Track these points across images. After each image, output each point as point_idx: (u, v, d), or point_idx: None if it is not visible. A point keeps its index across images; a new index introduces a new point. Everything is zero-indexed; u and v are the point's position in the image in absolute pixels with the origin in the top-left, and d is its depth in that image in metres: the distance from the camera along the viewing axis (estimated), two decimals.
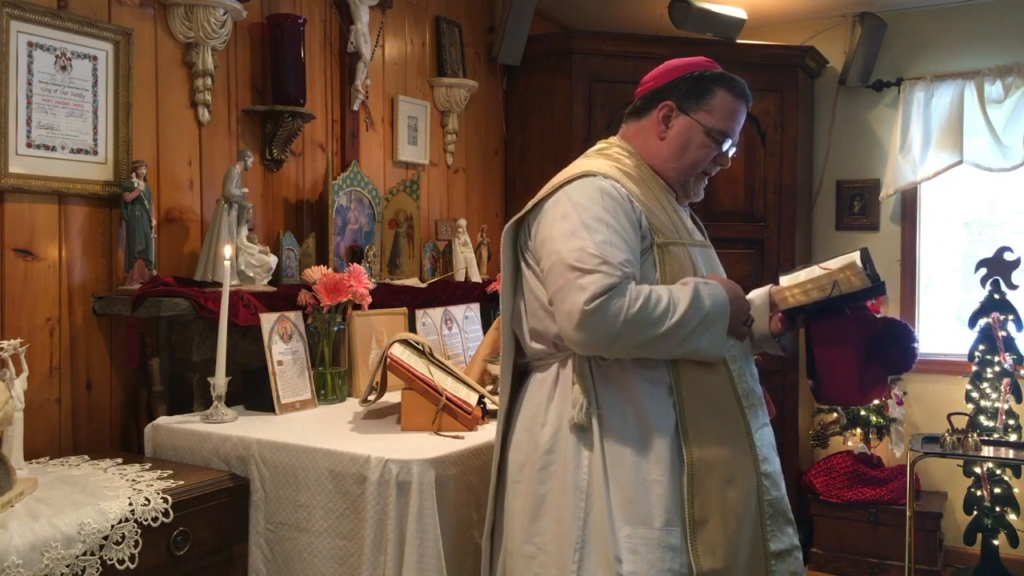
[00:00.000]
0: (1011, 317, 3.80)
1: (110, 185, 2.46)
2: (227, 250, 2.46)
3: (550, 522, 1.81)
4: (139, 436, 2.41)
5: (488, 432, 2.23)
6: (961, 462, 3.89)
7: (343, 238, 3.13)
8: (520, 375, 1.98)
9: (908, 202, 4.48)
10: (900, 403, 4.20)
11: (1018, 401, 3.77)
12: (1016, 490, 3.81)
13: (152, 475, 2.07)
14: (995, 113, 4.10)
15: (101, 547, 1.79)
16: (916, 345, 1.94)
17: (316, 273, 2.68)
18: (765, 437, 1.86)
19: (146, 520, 1.87)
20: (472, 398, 2.39)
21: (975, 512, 3.85)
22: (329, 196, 3.02)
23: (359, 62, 3.25)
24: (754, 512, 1.76)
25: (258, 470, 2.17)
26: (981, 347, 3.84)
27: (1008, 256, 3.82)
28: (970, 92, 4.16)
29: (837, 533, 4.17)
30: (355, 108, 3.29)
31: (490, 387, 2.63)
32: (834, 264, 1.86)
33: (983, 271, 3.86)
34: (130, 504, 1.86)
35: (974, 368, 3.87)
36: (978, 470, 3.81)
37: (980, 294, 3.88)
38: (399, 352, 2.41)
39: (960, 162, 4.16)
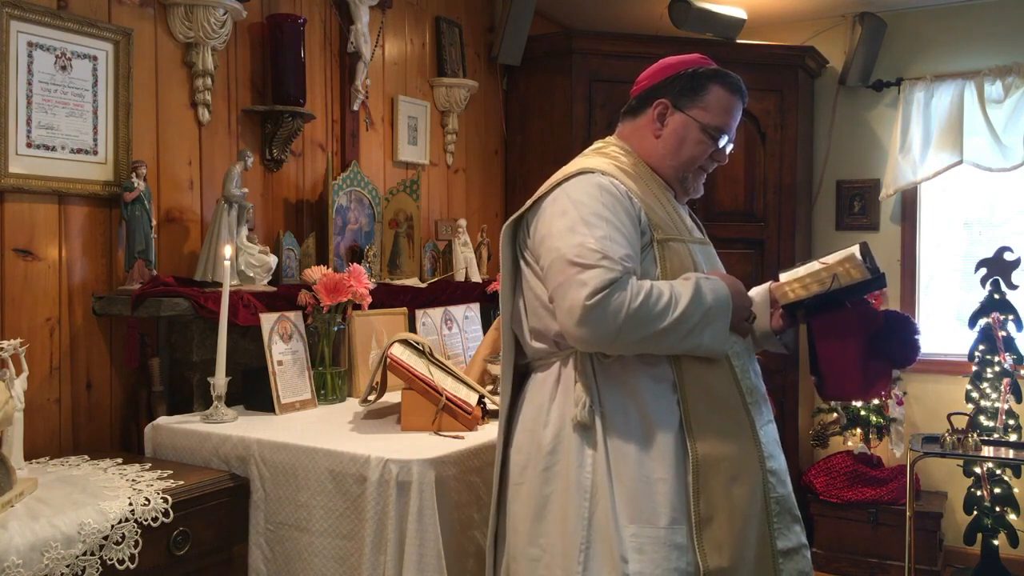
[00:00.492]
0: (1011, 317, 3.80)
1: (110, 185, 2.46)
2: (227, 250, 2.46)
3: (554, 523, 1.80)
4: (139, 436, 2.41)
5: (488, 432, 2.23)
6: (961, 462, 3.89)
7: (343, 238, 3.13)
8: (521, 376, 1.98)
9: (908, 202, 4.48)
10: (900, 403, 4.20)
11: (1018, 401, 3.77)
12: (1016, 490, 3.81)
13: (152, 475, 2.07)
14: (995, 113, 4.10)
15: (101, 547, 1.79)
16: (918, 337, 1.92)
17: (316, 273, 2.68)
18: (770, 434, 1.85)
19: (146, 520, 1.87)
20: (472, 398, 2.39)
21: (975, 512, 3.85)
22: (329, 196, 3.02)
23: (359, 62, 3.25)
24: (760, 510, 1.75)
25: (258, 470, 2.17)
26: (981, 347, 3.84)
27: (1008, 256, 3.82)
28: (970, 92, 4.16)
29: (837, 533, 4.17)
30: (355, 108, 3.29)
31: (490, 387, 2.63)
32: (833, 259, 1.86)
33: (983, 271, 3.86)
34: (130, 504, 1.86)
35: (974, 368, 3.87)
36: (978, 470, 3.81)
37: (980, 294, 3.88)
38: (399, 352, 2.40)
39: (960, 162, 4.16)
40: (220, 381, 2.37)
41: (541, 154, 4.12)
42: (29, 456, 2.15)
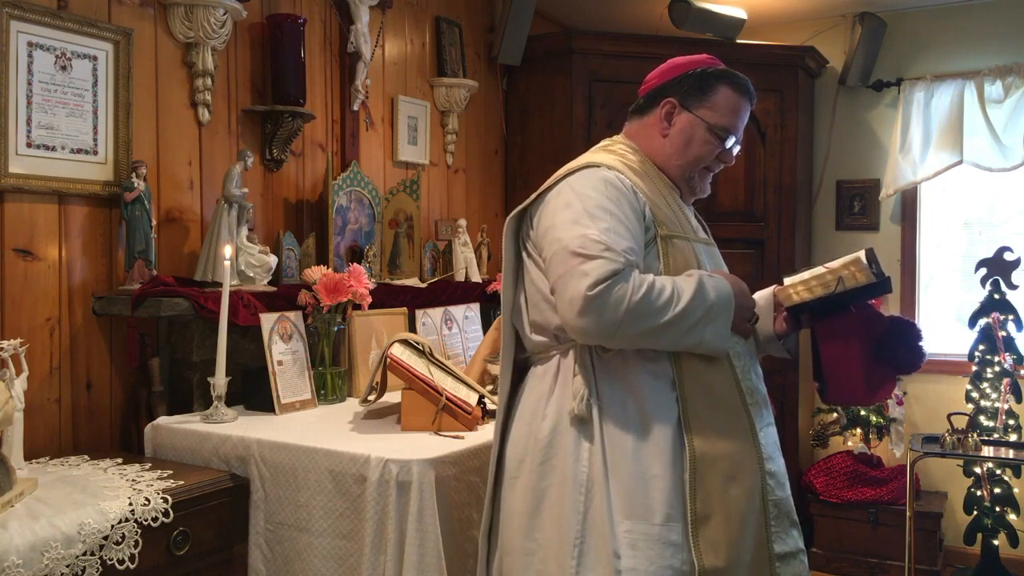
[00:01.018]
0: (1011, 317, 3.80)
1: (110, 185, 2.46)
2: (227, 250, 2.46)
3: (550, 517, 1.79)
4: (139, 436, 2.41)
5: (488, 432, 2.23)
6: (961, 462, 3.89)
7: (343, 238, 3.13)
8: (520, 371, 1.97)
9: (908, 202, 4.48)
10: (900, 403, 4.20)
11: (1018, 401, 3.77)
12: (1016, 490, 3.81)
13: (152, 475, 2.07)
14: (995, 113, 4.10)
15: (101, 547, 1.79)
16: (922, 343, 1.90)
17: (316, 273, 2.68)
18: (770, 436, 1.84)
19: (146, 520, 1.87)
20: (472, 398, 2.39)
21: (975, 512, 3.85)
22: (329, 196, 3.02)
23: (359, 62, 3.25)
24: (758, 511, 1.74)
25: (258, 470, 2.17)
26: (981, 347, 3.84)
27: (1008, 256, 3.82)
28: (970, 92, 4.16)
29: (837, 533, 4.17)
30: (355, 108, 3.29)
31: (490, 387, 2.63)
32: (838, 263, 1.86)
33: (983, 271, 3.86)
34: (130, 504, 1.86)
35: (974, 368, 3.87)
36: (978, 470, 3.81)
37: (980, 294, 3.88)
38: (399, 352, 2.40)
39: (960, 162, 4.16)
40: (220, 381, 2.37)
41: (541, 154, 4.12)
42: (29, 456, 2.15)
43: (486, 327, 3.45)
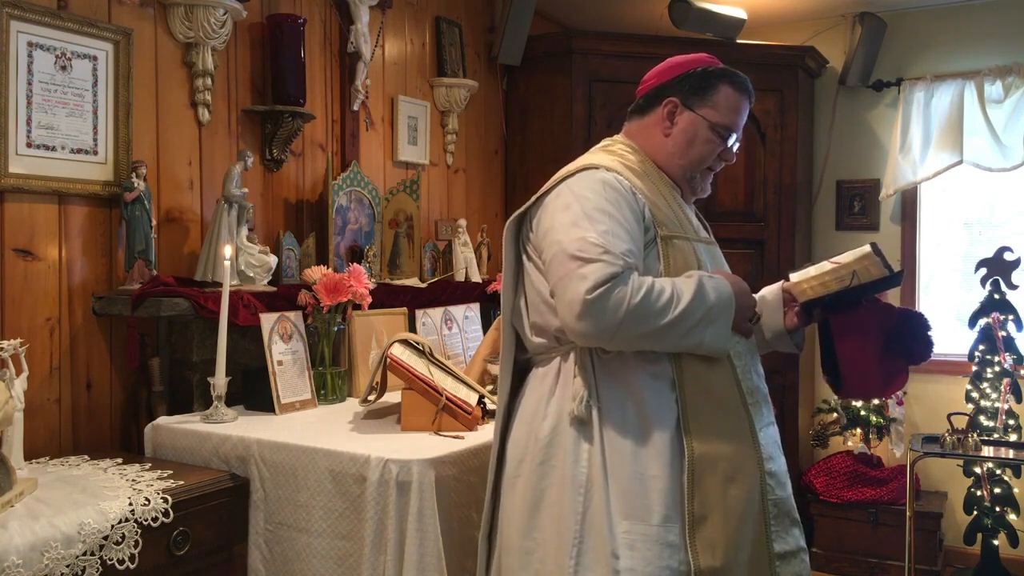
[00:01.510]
0: (1011, 317, 3.80)
1: (110, 185, 2.46)
2: (227, 250, 2.46)
3: (549, 517, 1.79)
4: (139, 436, 2.41)
5: (488, 432, 2.23)
6: (961, 462, 3.89)
7: (343, 238, 3.13)
8: (521, 372, 1.98)
9: (908, 202, 4.48)
10: (900, 403, 4.20)
11: (1018, 401, 3.77)
12: (1016, 490, 3.81)
13: (152, 475, 2.07)
14: (995, 113, 4.10)
15: (101, 547, 1.79)
16: (931, 333, 1.92)
17: (316, 273, 2.68)
18: (770, 436, 1.84)
19: (146, 520, 1.87)
20: (472, 398, 2.39)
21: (975, 512, 3.85)
22: (329, 196, 3.02)
23: (359, 62, 3.25)
24: (757, 511, 1.74)
25: (258, 470, 2.17)
26: (981, 347, 3.84)
27: (1008, 256, 3.82)
28: (970, 92, 4.16)
29: (837, 533, 4.17)
30: (355, 108, 3.29)
31: (490, 387, 2.63)
32: (845, 258, 1.86)
33: (983, 271, 3.86)
34: (130, 504, 1.86)
35: (974, 368, 3.87)
36: (978, 470, 3.81)
37: (980, 294, 3.88)
38: (399, 352, 2.40)
39: (960, 162, 4.16)
40: (220, 381, 2.37)
41: (541, 154, 4.12)
42: (29, 456, 2.15)
43: (486, 327, 3.45)
